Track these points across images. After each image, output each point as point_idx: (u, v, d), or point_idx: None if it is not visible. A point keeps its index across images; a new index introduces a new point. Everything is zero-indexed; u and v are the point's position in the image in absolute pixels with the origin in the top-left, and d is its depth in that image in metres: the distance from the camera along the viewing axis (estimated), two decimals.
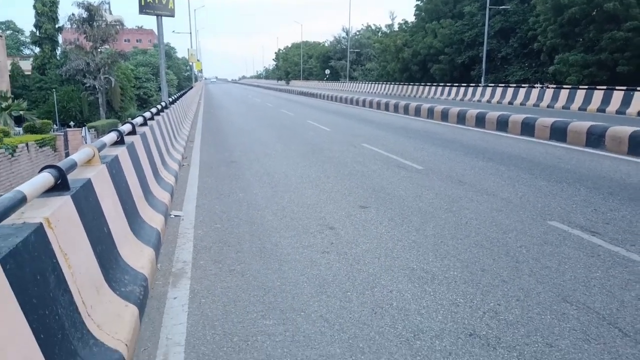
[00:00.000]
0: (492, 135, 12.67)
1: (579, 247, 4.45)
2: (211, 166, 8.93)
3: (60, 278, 2.41)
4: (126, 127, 5.60)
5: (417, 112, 18.44)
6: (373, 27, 77.79)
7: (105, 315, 2.75)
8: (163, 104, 10.89)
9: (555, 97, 23.39)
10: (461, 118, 15.12)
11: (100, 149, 4.11)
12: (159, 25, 11.96)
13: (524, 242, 4.57)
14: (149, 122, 7.39)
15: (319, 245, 4.59)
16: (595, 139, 9.97)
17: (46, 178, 2.82)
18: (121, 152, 4.66)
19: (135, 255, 3.71)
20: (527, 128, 12.02)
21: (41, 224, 2.38)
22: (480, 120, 14.07)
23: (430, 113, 17.25)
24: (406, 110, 19.67)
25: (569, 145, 10.54)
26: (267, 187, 7.14)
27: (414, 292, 3.55)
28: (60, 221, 2.62)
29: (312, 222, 5.33)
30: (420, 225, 5.12)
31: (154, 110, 8.90)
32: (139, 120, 6.79)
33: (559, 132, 11.00)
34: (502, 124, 13.03)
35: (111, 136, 4.84)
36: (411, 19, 48.50)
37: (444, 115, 16.24)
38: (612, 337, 2.91)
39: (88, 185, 3.28)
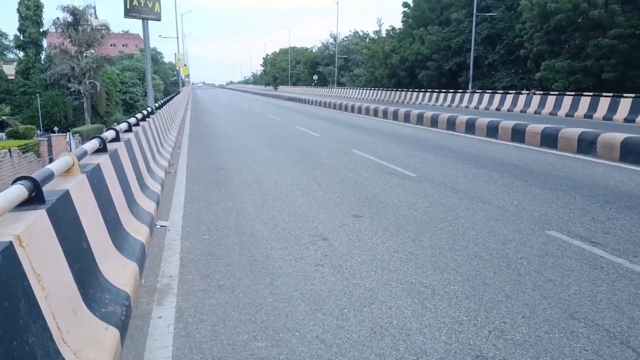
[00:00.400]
0: (483, 141, 12.59)
1: (581, 258, 4.31)
2: (199, 173, 8.69)
3: (31, 303, 2.18)
4: (109, 134, 5.36)
5: (407, 118, 18.37)
6: (361, 34, 78.09)
7: (83, 340, 2.52)
8: (149, 109, 10.63)
9: (542, 104, 23.52)
10: (451, 124, 15.06)
11: (80, 157, 3.88)
12: (145, 29, 11.70)
13: (525, 254, 4.41)
14: (133, 128, 7.15)
15: (313, 257, 4.39)
16: (586, 145, 9.92)
17: (19, 191, 2.59)
18: (103, 160, 4.42)
19: (118, 271, 3.47)
20: (518, 134, 11.97)
21: (11, 242, 2.15)
22: (470, 127, 14.01)
23: (420, 119, 17.18)
24: (395, 116, 19.59)
25: (560, 151, 10.49)
26: (257, 195, 6.93)
27: (415, 308, 3.36)
28: (34, 238, 2.39)
29: (304, 232, 5.13)
30: (417, 236, 4.95)
31: (139, 115, 8.64)
32: (123, 126, 6.55)
33: (549, 139, 10.96)
34: (492, 130, 12.97)
35: (93, 143, 4.60)
36: (398, 25, 48.74)
37: (434, 121, 16.17)
38: (626, 359, 2.75)
39: (66, 197, 3.05)
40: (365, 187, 7.25)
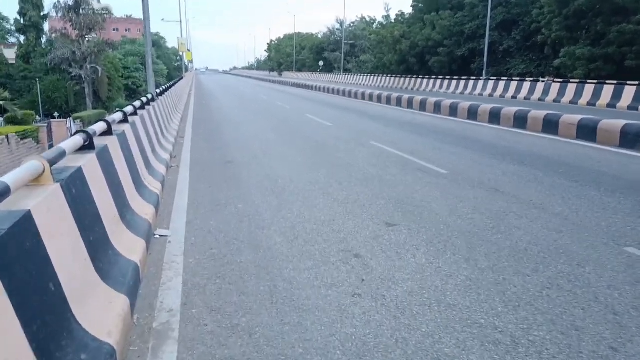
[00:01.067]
0: (510, 132, 11.66)
1: None
2: (204, 167, 7.83)
3: None
4: (98, 127, 4.49)
5: (423, 106, 17.40)
6: (367, 19, 76.53)
7: None
8: (149, 96, 9.74)
9: (562, 92, 22.49)
10: (472, 113, 14.10)
11: (54, 160, 3.01)
12: (145, 7, 10.76)
13: (610, 281, 3.55)
14: (130, 118, 6.27)
15: (347, 283, 3.54)
16: (631, 138, 8.99)
17: None
18: (88, 161, 3.56)
19: (101, 312, 2.63)
20: (550, 125, 11.02)
21: None
22: (494, 116, 13.05)
23: (437, 108, 16.21)
24: (410, 104, 18.61)
25: (599, 145, 9.55)
26: (271, 195, 6.07)
27: None
28: None
29: (331, 246, 4.28)
30: (469, 253, 4.09)
31: (137, 103, 7.76)
32: (117, 116, 5.67)
33: (586, 131, 10.02)
34: (520, 121, 12.02)
35: (74, 140, 3.73)
36: (407, 10, 47.39)
37: (453, 110, 15.20)
38: None
39: (24, 223, 2.19)
40: (394, 187, 6.37)
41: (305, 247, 4.26)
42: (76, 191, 3.05)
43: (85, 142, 3.91)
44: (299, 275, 3.69)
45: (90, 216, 3.19)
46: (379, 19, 71.49)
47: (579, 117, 10.41)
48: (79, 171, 3.26)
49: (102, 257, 3.10)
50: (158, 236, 4.54)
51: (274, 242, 4.41)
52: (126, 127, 5.62)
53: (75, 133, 3.95)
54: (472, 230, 4.67)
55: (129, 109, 6.74)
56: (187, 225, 4.90)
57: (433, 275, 3.66)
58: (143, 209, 4.68)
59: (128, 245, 3.66)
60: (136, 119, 6.60)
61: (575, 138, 10.22)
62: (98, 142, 4.26)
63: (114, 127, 5.11)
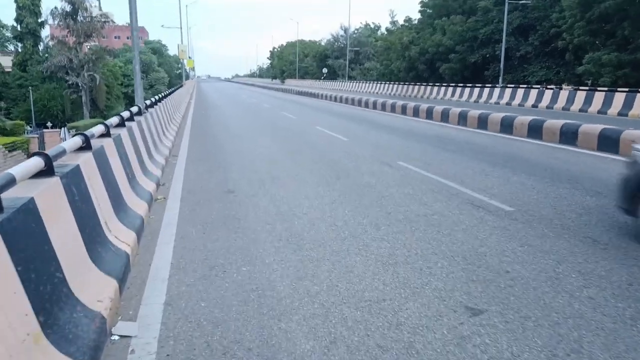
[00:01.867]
0: (560, 150, 10.00)
1: None
2: (198, 200, 6.21)
3: None
4: (27, 166, 2.84)
5: (445, 117, 15.78)
6: (372, 26, 75.19)
7: None
8: (134, 108, 8.12)
9: (588, 101, 20.93)
10: (506, 126, 12.46)
11: None
12: (132, 5, 9.16)
13: None
14: (96, 142, 4.65)
15: None
16: None
17: None
18: None
19: None
20: (607, 142, 9.39)
21: None
22: (535, 130, 11.41)
23: (463, 119, 14.58)
24: (429, 114, 16.99)
25: None
26: (286, 247, 4.44)
27: None
28: None
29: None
30: None
31: (115, 120, 6.15)
32: (74, 143, 4.03)
33: None
34: (568, 136, 10.39)
35: None
36: (414, 16, 45.98)
37: (482, 122, 13.57)
38: None
39: None
40: (451, 235, 4.73)
41: None
42: None
43: None
44: None
45: None
46: (387, 24, 70.11)
47: None
48: None
49: None
50: (117, 338, 2.90)
51: (300, 350, 2.76)
52: (86, 158, 3.99)
53: None
54: (602, 322, 3.02)
55: (98, 128, 5.12)
56: (166, 310, 3.26)
57: None
58: (97, 290, 3.05)
59: None
60: (107, 142, 4.97)
61: None
62: (23, 192, 2.65)
63: (59, 162, 3.50)
